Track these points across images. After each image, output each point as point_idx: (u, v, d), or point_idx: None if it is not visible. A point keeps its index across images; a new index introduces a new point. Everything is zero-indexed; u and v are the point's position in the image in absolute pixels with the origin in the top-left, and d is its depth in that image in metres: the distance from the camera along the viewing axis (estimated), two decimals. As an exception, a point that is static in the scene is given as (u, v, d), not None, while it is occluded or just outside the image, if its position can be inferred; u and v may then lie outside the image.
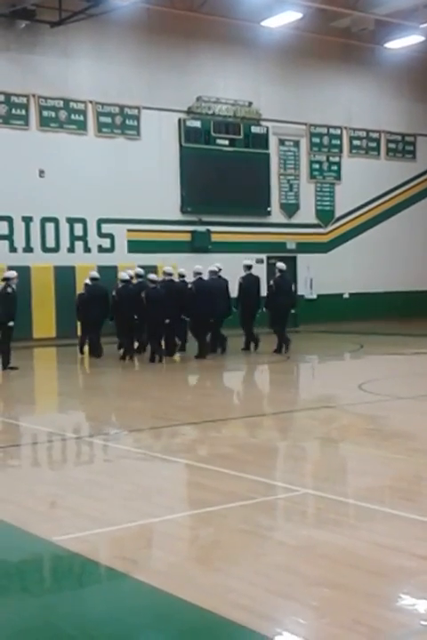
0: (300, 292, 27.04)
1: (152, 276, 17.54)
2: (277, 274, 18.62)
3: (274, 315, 18.14)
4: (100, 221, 23.72)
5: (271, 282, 18.67)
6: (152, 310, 16.60)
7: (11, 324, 15.89)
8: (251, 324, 18.70)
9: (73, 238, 23.37)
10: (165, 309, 16.73)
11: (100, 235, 23.76)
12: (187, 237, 24.99)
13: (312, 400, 12.25)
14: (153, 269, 20.26)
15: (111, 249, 23.85)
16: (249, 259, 20.31)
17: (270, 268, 26.25)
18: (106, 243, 23.83)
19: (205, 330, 17.71)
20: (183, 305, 17.23)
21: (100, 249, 23.68)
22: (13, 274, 16.36)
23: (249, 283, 18.80)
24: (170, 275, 18.04)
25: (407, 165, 29.60)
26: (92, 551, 5.41)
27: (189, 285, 17.58)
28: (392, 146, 29.38)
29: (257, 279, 19.14)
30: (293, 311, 19.16)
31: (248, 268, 19.09)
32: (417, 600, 4.47)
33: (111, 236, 23.91)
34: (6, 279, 16.19)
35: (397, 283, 28.83)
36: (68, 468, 8.23)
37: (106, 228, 23.81)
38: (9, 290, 15.99)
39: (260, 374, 16.50)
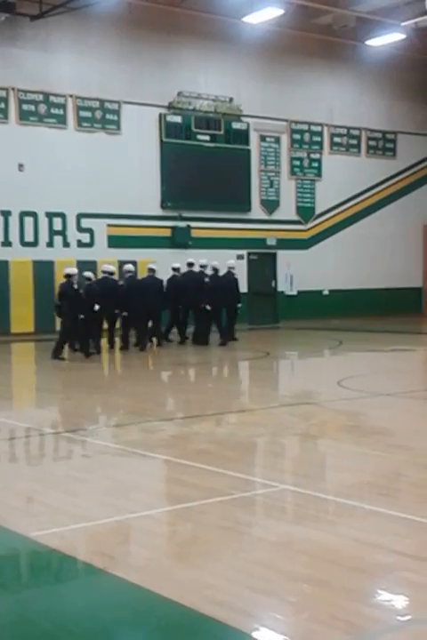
0: (280, 289, 27.15)
1: (87, 274, 18.29)
2: (212, 271, 19.72)
3: (212, 311, 19.22)
4: (80, 216, 23.62)
5: (207, 279, 19.71)
6: (87, 305, 17.49)
7: (81, 317, 16.85)
8: (185, 318, 20.00)
9: (52, 233, 23.26)
10: (101, 305, 17.61)
11: (80, 229, 23.67)
12: (167, 233, 24.95)
13: (292, 396, 12.27)
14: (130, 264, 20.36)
15: (91, 244, 23.76)
16: (192, 257, 21.15)
17: (251, 265, 26.39)
18: (85, 237, 23.74)
19: (138, 324, 18.74)
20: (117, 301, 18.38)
21: (80, 244, 23.58)
22: (75, 270, 17.30)
23: (189, 279, 19.90)
24: (111, 273, 18.91)
25: (388, 163, 29.73)
26: (70, 547, 5.38)
27: (121, 282, 18.69)
28: (373, 143, 29.50)
29: (199, 274, 20.11)
30: (239, 305, 19.98)
31: (189, 265, 20.24)
32: (395, 596, 4.49)
33: (91, 231, 23.81)
34: (69, 275, 17.05)
35: (376, 280, 28.97)
36: (46, 464, 8.19)
37: (85, 222, 23.72)
38: (75, 286, 16.94)
39: (239, 370, 16.51)
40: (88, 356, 16.99)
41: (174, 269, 20.17)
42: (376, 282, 28.93)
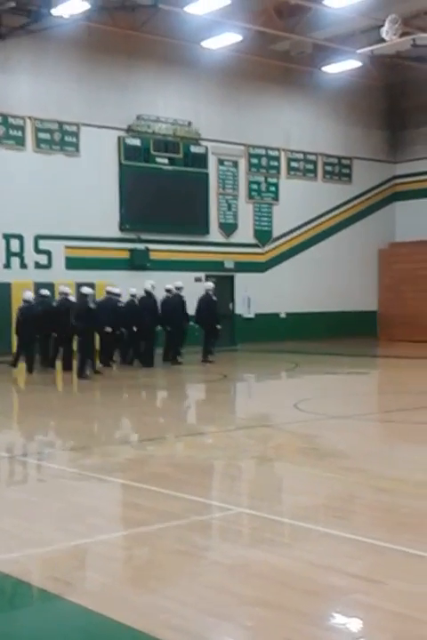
0: (237, 311, 27.24)
1: (27, 296, 19.16)
2: (144, 293, 20.21)
3: (140, 332, 19.74)
4: (38, 237, 23.47)
5: (136, 300, 20.40)
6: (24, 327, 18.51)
7: (108, 329, 18.41)
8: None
9: (9, 254, 23.07)
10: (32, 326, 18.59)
11: (38, 251, 23.51)
12: (125, 255, 24.92)
13: (248, 419, 12.33)
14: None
15: (48, 265, 23.60)
16: (149, 280, 21.26)
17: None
18: (43, 259, 23.58)
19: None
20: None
21: (37, 265, 23.40)
22: (91, 291, 17.97)
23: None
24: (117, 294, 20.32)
25: (343, 188, 30.09)
26: (24, 572, 5.33)
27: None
28: (329, 168, 29.84)
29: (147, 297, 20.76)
30: (169, 329, 20.48)
31: (138, 289, 20.84)
32: (348, 618, 4.53)
33: (48, 253, 23.67)
34: (85, 295, 17.66)
35: (333, 303, 29.22)
36: (1, 488, 8.10)
37: (43, 244, 23.57)
38: (91, 305, 17.65)
39: (196, 393, 16.53)
40: (83, 377, 17.24)
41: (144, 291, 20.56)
42: (332, 305, 29.19)
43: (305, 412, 12.27)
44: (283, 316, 28.26)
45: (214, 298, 21.02)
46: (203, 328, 20.72)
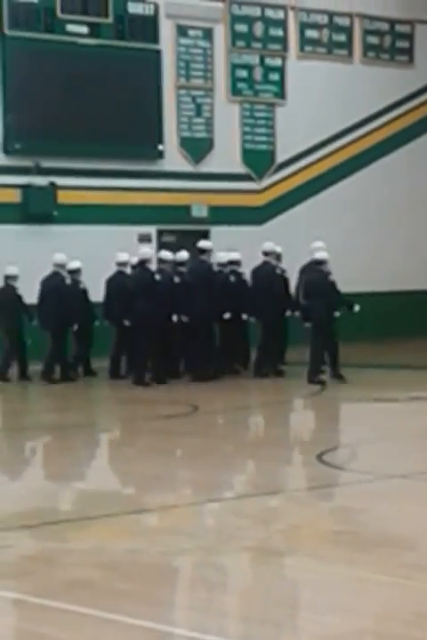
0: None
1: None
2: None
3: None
4: None
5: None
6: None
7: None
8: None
9: None
10: None
11: None
12: (14, 197, 24.88)
13: (239, 482, 12.37)
14: None
15: None
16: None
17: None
18: None
19: None
20: None
21: None
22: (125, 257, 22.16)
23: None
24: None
25: (400, 74, 30.25)
26: None
27: None
28: (373, 40, 29.97)
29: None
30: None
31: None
32: None
33: None
34: (122, 264, 21.53)
35: (385, 278, 29.32)
36: None
37: None
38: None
39: (147, 438, 16.56)
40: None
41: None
42: (384, 282, 29.27)
43: (338, 469, 12.35)
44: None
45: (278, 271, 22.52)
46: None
